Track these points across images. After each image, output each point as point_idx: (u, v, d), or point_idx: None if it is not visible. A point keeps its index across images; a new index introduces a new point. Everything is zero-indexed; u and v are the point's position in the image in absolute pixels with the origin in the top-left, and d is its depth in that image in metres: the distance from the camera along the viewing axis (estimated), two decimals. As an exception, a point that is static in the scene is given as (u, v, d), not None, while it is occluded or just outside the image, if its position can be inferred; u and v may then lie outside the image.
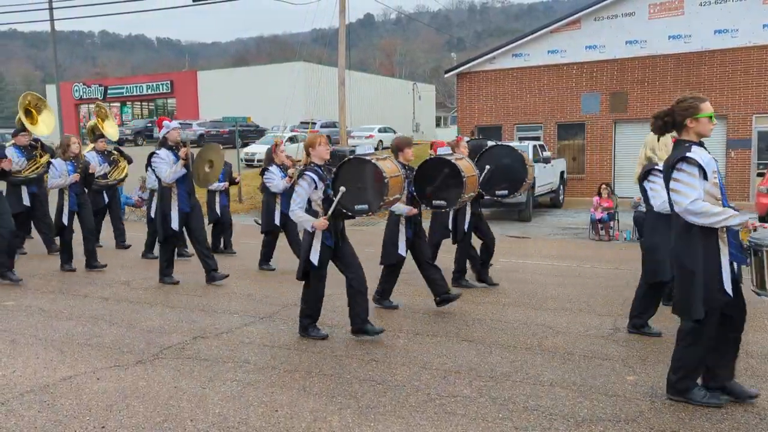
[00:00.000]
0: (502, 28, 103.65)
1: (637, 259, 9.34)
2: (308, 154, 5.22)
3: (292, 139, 25.15)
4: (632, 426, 3.56)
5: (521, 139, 19.16)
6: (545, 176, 15.73)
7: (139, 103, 47.10)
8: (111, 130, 11.16)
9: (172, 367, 4.56)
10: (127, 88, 46.73)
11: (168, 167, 7.12)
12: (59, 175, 8.09)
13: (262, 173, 8.45)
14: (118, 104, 46.85)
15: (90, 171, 8.46)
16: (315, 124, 31.32)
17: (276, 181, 8.21)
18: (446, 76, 24.61)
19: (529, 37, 20.30)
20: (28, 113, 9.68)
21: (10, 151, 8.72)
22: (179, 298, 6.77)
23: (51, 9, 25.43)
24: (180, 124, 34.62)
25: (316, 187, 5.07)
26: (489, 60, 20.95)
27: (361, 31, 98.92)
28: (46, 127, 9.89)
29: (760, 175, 14.86)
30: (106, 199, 9.88)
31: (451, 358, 4.74)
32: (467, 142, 7.25)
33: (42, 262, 8.97)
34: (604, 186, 12.55)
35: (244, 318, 5.94)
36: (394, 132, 34.34)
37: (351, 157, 5.18)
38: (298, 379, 4.33)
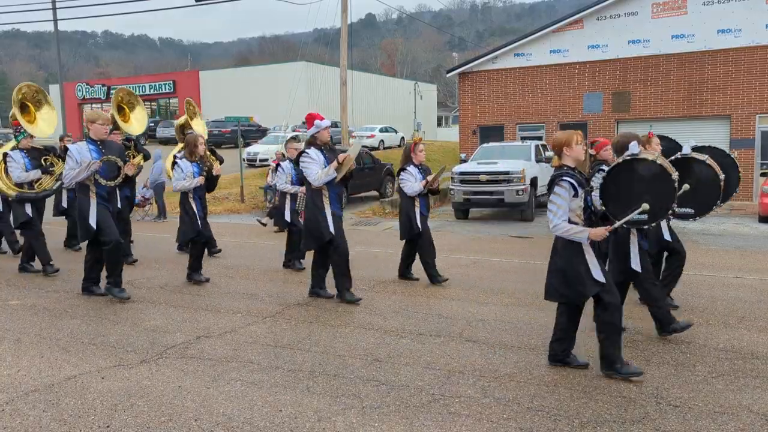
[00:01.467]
0: (504, 27, 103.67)
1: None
2: (560, 156, 4.38)
3: (294, 138, 25.16)
4: (637, 427, 3.55)
5: (523, 138, 19.17)
6: (547, 176, 15.70)
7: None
8: (200, 128, 10.19)
9: (176, 367, 4.56)
10: (129, 88, 46.78)
11: (318, 168, 6.34)
12: (184, 177, 7.39)
13: (398, 174, 7.61)
14: (121, 104, 46.84)
15: (215, 173, 7.70)
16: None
17: (412, 182, 7.38)
18: (448, 75, 24.61)
19: (532, 37, 20.29)
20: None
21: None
22: (183, 298, 6.78)
23: (54, 9, 25.47)
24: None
25: (575, 195, 4.24)
26: (491, 59, 20.95)
27: (363, 31, 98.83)
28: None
29: (763, 174, 14.82)
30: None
31: (455, 359, 4.74)
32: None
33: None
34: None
35: (248, 318, 5.94)
36: (395, 132, 34.37)
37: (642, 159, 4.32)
38: (302, 379, 4.33)
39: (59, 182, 8.18)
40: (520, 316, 5.98)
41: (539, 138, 19.00)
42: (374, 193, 19.04)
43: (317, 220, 6.40)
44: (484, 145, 17.63)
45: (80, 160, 6.35)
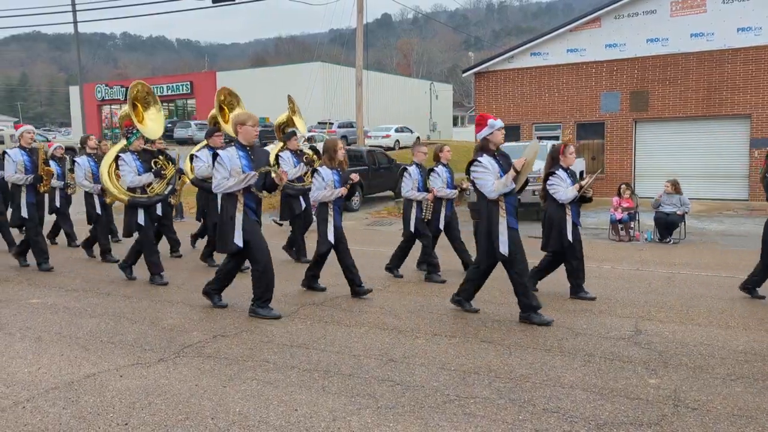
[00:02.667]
0: (520, 26, 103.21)
1: (659, 261, 9.26)
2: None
3: (309, 140, 25.24)
4: (654, 430, 3.52)
5: (540, 138, 19.06)
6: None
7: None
8: (301, 126, 9.49)
9: (193, 366, 4.60)
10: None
11: (494, 178, 5.63)
12: (324, 186, 6.65)
13: (545, 179, 6.90)
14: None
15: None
16: (332, 124, 31.41)
17: (564, 188, 6.72)
18: (464, 75, 24.55)
19: (548, 36, 20.17)
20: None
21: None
22: (199, 297, 6.82)
23: (74, 11, 25.80)
24: (199, 124, 34.93)
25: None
26: (507, 59, 20.86)
27: (379, 31, 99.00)
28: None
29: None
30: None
31: (469, 359, 4.73)
32: None
33: (67, 260, 9.11)
34: (624, 186, 12.43)
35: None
36: (411, 132, 34.35)
37: None
38: (317, 378, 4.35)
39: (170, 186, 7.91)
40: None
41: (556, 138, 18.88)
42: (389, 193, 19.07)
43: (495, 234, 5.69)
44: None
45: (231, 168, 5.75)
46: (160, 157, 7.97)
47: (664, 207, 11.45)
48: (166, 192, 7.87)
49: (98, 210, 9.15)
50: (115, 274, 8.15)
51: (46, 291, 7.19)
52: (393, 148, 30.03)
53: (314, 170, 6.86)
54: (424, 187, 7.82)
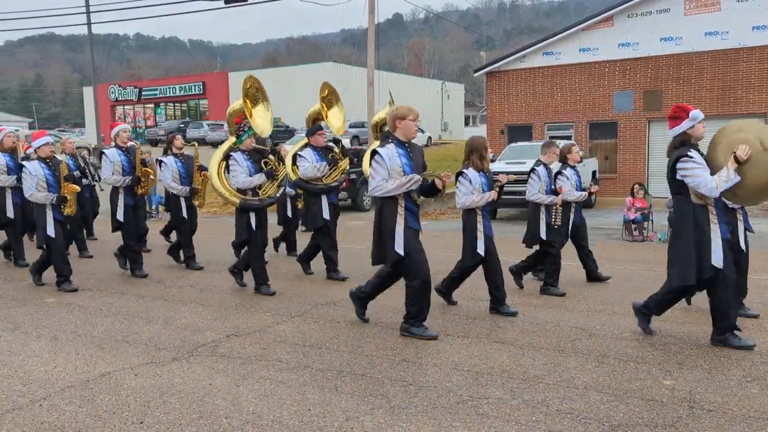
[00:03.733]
0: (532, 26, 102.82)
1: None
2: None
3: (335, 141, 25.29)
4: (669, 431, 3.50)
5: (552, 137, 18.97)
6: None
7: (172, 104, 47.94)
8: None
9: (207, 365, 4.63)
10: (160, 89, 47.61)
11: (708, 173, 4.76)
12: (472, 190, 5.96)
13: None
14: (152, 105, 47.73)
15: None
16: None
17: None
18: (476, 75, 24.49)
19: (561, 35, 20.08)
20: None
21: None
22: (213, 297, 6.87)
23: (88, 13, 26.01)
24: (211, 124, 35.05)
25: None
26: (519, 58, 20.79)
27: (390, 31, 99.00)
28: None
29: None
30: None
31: (482, 360, 4.72)
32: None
33: (79, 260, 9.19)
34: (637, 186, 12.34)
35: (276, 317, 6.00)
36: (422, 131, 34.28)
37: None
38: (330, 378, 4.36)
39: (282, 189, 7.31)
40: (548, 318, 5.93)
41: (568, 137, 18.79)
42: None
43: (705, 244, 4.84)
44: (512, 144, 17.50)
45: (390, 168, 5.10)
46: (271, 156, 7.14)
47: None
48: (277, 195, 7.10)
49: (184, 213, 8.41)
50: (127, 274, 8.19)
51: (62, 290, 7.25)
52: (427, 145, 29.88)
53: (458, 173, 6.03)
54: (552, 190, 7.12)
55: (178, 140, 8.66)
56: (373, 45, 21.32)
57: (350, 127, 31.30)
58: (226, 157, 6.97)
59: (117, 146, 7.77)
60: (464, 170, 6.01)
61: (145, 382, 4.29)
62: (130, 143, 8.01)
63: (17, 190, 8.15)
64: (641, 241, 11.53)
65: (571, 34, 19.77)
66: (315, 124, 8.04)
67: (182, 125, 37.12)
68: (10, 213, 8.40)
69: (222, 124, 33.40)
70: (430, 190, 5.32)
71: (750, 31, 17.19)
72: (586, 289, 7.21)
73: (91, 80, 30.07)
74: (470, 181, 5.92)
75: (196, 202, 8.31)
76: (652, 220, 11.91)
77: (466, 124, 57.03)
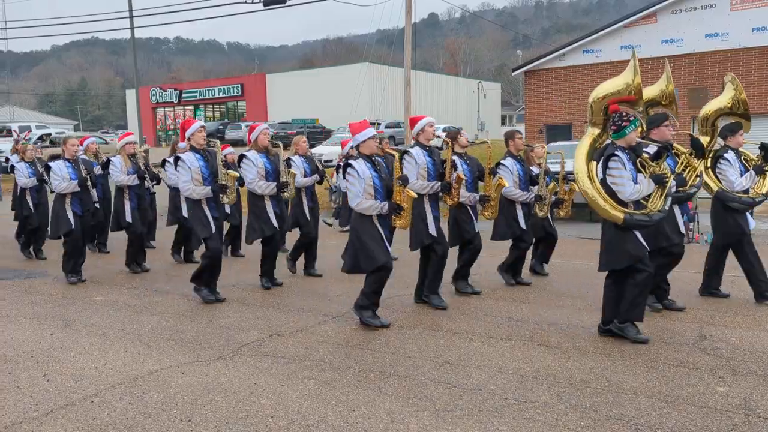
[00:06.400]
0: (571, 23, 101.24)
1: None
2: None
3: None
4: (725, 439, 3.39)
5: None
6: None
7: (211, 106, 48.76)
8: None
9: (251, 364, 4.68)
10: (200, 91, 48.47)
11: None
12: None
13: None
14: (192, 107, 48.63)
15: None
16: (380, 124, 31.50)
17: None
18: (514, 74, 24.28)
19: (602, 33, 19.77)
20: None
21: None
22: (254, 296, 6.95)
23: (131, 17, 26.63)
24: (249, 125, 35.60)
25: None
26: (558, 57, 20.53)
27: (426, 31, 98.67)
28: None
29: None
30: None
31: (527, 363, 4.65)
32: None
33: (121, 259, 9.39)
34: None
35: (318, 317, 6.03)
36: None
37: None
38: (374, 379, 4.35)
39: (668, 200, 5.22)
40: (594, 321, 5.80)
41: (609, 137, 18.45)
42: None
43: None
44: (552, 144, 17.25)
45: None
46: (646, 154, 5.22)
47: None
48: (665, 207, 5.09)
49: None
50: (173, 272, 8.34)
51: (109, 289, 7.43)
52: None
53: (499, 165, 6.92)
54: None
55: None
56: (410, 45, 21.29)
57: (386, 127, 31.35)
58: (610, 157, 5.04)
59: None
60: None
61: (192, 380, 4.36)
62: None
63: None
64: (687, 242, 11.18)
65: (613, 31, 19.44)
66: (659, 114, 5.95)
67: (221, 126, 37.71)
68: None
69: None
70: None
71: (801, 26, 16.64)
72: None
73: (134, 83, 30.80)
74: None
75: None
76: (698, 221, 11.57)
77: (503, 123, 56.49)
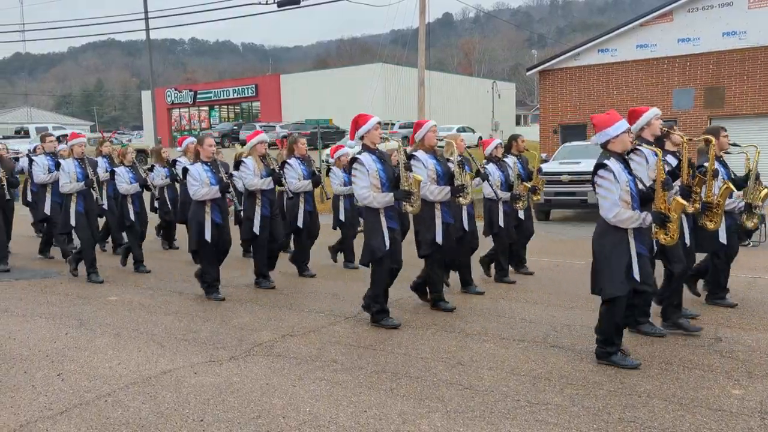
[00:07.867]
0: (586, 22, 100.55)
1: (738, 265, 8.78)
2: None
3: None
4: (740, 444, 3.35)
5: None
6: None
7: (226, 106, 49.03)
8: None
9: (263, 365, 4.69)
10: (214, 92, 48.75)
11: None
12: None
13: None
14: (207, 108, 48.94)
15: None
16: (394, 124, 31.49)
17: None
18: (528, 74, 24.18)
19: (617, 32, 19.62)
20: None
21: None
22: (267, 296, 6.97)
23: (147, 19, 26.85)
24: (263, 126, 35.64)
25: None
26: (573, 56, 20.41)
27: (440, 31, 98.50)
28: None
29: None
30: None
31: (539, 364, 4.63)
32: None
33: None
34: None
35: (330, 317, 6.04)
36: (473, 131, 34.04)
37: None
38: (385, 380, 4.35)
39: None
40: (607, 323, 5.76)
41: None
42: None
43: None
44: (566, 144, 17.15)
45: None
46: None
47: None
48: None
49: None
50: (189, 271, 8.38)
51: (123, 289, 7.50)
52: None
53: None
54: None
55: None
56: (424, 45, 21.26)
57: (400, 127, 31.33)
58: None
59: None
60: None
61: (205, 380, 4.38)
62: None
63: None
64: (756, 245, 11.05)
65: (628, 30, 19.28)
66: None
67: (236, 127, 37.92)
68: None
69: (274, 126, 33.91)
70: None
71: (821, 24, 16.39)
72: (646, 293, 6.98)
73: (149, 84, 31.06)
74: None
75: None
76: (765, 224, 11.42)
77: (518, 123, 56.23)
